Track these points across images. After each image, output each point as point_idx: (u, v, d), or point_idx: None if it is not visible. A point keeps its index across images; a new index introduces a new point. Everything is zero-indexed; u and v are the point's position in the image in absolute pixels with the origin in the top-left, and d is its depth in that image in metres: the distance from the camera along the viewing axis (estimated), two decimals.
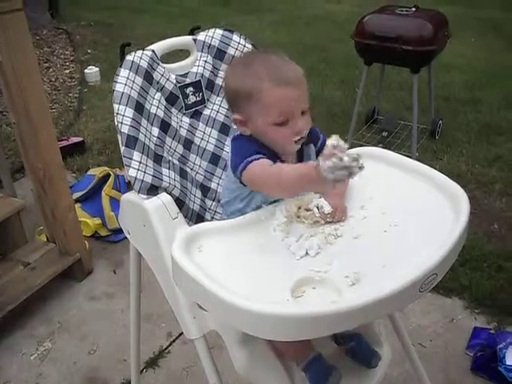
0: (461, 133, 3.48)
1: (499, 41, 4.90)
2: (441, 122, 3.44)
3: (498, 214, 2.68)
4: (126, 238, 2.33)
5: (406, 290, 0.91)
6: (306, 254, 1.02)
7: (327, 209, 1.09)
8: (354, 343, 1.25)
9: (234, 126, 1.37)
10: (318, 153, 1.20)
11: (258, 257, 1.03)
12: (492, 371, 1.89)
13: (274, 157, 1.11)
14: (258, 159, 1.07)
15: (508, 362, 1.90)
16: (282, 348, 1.18)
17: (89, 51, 5.13)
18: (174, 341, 2.09)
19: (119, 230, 2.62)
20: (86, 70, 4.47)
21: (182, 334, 2.10)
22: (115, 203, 2.68)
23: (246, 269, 1.00)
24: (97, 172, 2.83)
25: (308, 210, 1.11)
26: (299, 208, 1.11)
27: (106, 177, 2.76)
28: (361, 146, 1.33)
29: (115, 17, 6.06)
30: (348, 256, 1.01)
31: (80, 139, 3.41)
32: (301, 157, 1.18)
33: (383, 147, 1.34)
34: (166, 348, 2.06)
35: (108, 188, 2.71)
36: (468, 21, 5.28)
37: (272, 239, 1.07)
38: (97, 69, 4.46)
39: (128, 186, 2.93)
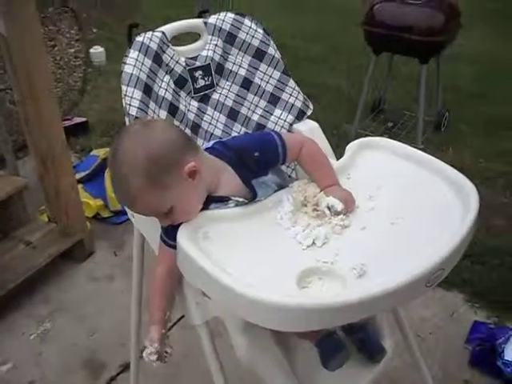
0: (467, 125, 3.45)
1: (508, 34, 4.85)
2: (447, 114, 3.41)
3: (501, 209, 2.67)
4: (127, 220, 2.33)
5: (412, 285, 0.90)
6: (313, 243, 1.01)
7: (339, 207, 1.06)
8: (362, 335, 1.24)
9: (243, 112, 1.36)
10: (284, 160, 1.13)
11: (264, 245, 1.02)
12: (490, 366, 1.90)
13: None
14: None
15: (506, 357, 1.90)
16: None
17: (94, 31, 5.09)
18: (173, 326, 2.09)
19: (121, 212, 2.62)
20: (91, 50, 4.42)
21: (181, 318, 2.09)
22: None
23: (252, 256, 0.99)
24: (100, 153, 2.82)
25: (316, 210, 1.08)
26: (305, 205, 1.09)
27: None
28: (366, 135, 1.32)
29: None
30: (355, 247, 1.00)
31: (83, 119, 3.39)
32: (255, 195, 1.10)
33: (388, 138, 1.32)
34: (165, 333, 2.06)
35: None
36: (478, 11, 5.22)
37: (278, 227, 1.05)
38: (102, 49, 4.42)
39: None
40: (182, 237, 0.99)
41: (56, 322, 2.12)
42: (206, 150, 1.13)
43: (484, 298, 2.18)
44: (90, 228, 2.45)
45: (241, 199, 1.08)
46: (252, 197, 1.09)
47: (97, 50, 4.39)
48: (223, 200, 1.08)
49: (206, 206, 1.06)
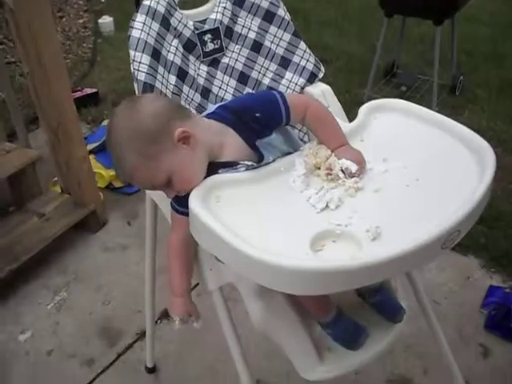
0: (482, 89, 3.38)
1: None
2: (462, 77, 3.34)
3: None
4: (140, 189, 2.33)
5: (427, 247, 0.88)
6: (327, 206, 0.99)
7: (354, 168, 1.04)
8: (380, 297, 1.24)
9: (253, 75, 1.33)
10: (288, 120, 1.09)
11: (276, 208, 1.00)
12: (505, 329, 1.89)
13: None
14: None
15: None
16: (303, 304, 1.17)
17: (102, 0, 5.02)
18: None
19: None
20: (99, 20, 4.38)
21: (196, 285, 2.11)
22: None
23: (265, 220, 0.97)
24: None
25: (329, 174, 1.05)
26: (319, 168, 1.07)
27: None
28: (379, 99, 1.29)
29: None
30: (369, 210, 0.98)
31: (94, 90, 3.37)
32: (261, 157, 1.08)
33: None
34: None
35: None
36: None
37: (291, 191, 1.03)
38: (111, 18, 4.37)
39: None
40: (194, 201, 0.97)
41: (72, 291, 2.15)
42: (208, 115, 1.10)
43: (499, 262, 2.17)
44: (102, 198, 2.46)
45: (249, 163, 1.06)
46: (259, 159, 1.07)
47: (105, 20, 4.35)
48: (231, 165, 1.06)
49: (214, 172, 1.04)
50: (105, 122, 3.01)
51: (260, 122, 1.06)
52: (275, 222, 0.97)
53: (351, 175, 1.05)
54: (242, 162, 1.06)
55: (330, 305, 1.19)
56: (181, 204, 1.06)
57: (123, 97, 3.28)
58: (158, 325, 1.94)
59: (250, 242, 0.90)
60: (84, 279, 2.20)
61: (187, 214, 0.99)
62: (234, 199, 1.02)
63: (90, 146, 2.69)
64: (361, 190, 1.03)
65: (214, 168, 1.05)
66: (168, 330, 1.95)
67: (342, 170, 1.05)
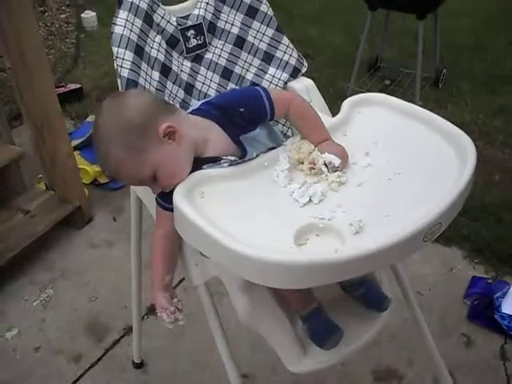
0: (465, 82, 3.41)
1: None
2: (445, 70, 3.37)
3: (500, 165, 2.66)
4: (125, 184, 2.32)
5: (410, 240, 0.90)
6: (310, 201, 1.00)
7: (337, 162, 1.05)
8: (363, 289, 1.25)
9: (237, 71, 1.34)
10: (272, 115, 1.10)
11: (260, 203, 1.01)
12: (488, 319, 1.93)
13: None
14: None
15: (504, 310, 1.93)
16: (285, 296, 1.18)
17: None
18: (175, 287, 2.10)
19: None
20: (82, 15, 4.34)
21: (182, 280, 2.12)
22: None
23: (249, 215, 0.98)
24: None
25: (312, 168, 1.06)
26: (302, 163, 1.08)
27: None
28: (363, 93, 1.30)
29: None
30: (352, 204, 0.99)
31: (78, 86, 3.35)
32: (244, 152, 1.09)
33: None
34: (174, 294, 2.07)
35: None
36: None
37: (275, 185, 1.04)
38: (93, 13, 4.33)
39: None
40: (179, 197, 0.98)
41: (58, 288, 2.14)
42: (193, 111, 1.11)
43: (482, 253, 2.20)
44: (87, 194, 2.45)
45: (233, 158, 1.07)
46: (242, 154, 1.08)
47: (88, 15, 4.31)
48: (215, 160, 1.06)
49: (198, 168, 1.05)
50: (89, 118, 3.00)
51: (244, 117, 1.07)
52: (259, 216, 0.98)
53: (334, 169, 1.06)
54: (225, 158, 1.06)
55: (310, 299, 1.20)
56: (165, 199, 1.07)
57: (107, 92, 3.27)
58: (144, 320, 1.95)
59: (234, 236, 0.90)
60: (70, 276, 2.20)
61: (172, 210, 1.00)
62: (218, 195, 1.03)
63: (75, 142, 2.68)
64: (344, 184, 1.04)
65: (198, 164, 1.05)
66: (155, 325, 1.96)
67: (325, 164, 1.06)
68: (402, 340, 1.85)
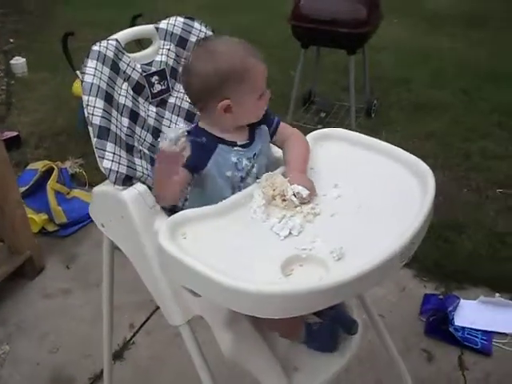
0: (394, 111, 3.61)
1: (420, 22, 5.08)
2: (375, 101, 3.56)
3: (440, 187, 2.80)
4: (75, 232, 2.29)
5: (390, 261, 0.97)
6: (290, 233, 1.06)
7: (305, 193, 1.12)
8: (333, 313, 1.30)
9: (199, 113, 1.38)
10: (273, 134, 1.28)
11: (243, 239, 1.06)
12: (444, 333, 2.03)
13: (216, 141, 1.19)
14: None
15: (456, 323, 2.06)
16: (275, 327, 1.22)
17: (11, 40, 4.90)
18: (137, 331, 2.08)
19: (67, 225, 2.58)
20: (11, 61, 4.26)
21: (144, 323, 2.10)
22: (61, 197, 2.65)
23: (234, 252, 1.02)
24: (39, 166, 2.74)
25: (284, 200, 1.13)
26: (274, 197, 1.13)
27: (50, 170, 2.69)
28: (301, 126, 1.38)
29: (34, 4, 5.78)
30: (329, 233, 1.06)
31: (15, 133, 3.27)
32: (252, 138, 1.23)
33: (322, 127, 1.39)
34: (130, 339, 2.05)
35: (52, 182, 2.65)
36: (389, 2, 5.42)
37: (254, 222, 1.09)
38: (23, 59, 4.26)
39: (72, 179, 2.86)
40: (165, 241, 1.01)
41: (15, 343, 2.06)
42: None
43: (431, 271, 2.32)
44: (37, 243, 2.39)
45: (244, 142, 1.21)
46: (249, 142, 1.22)
47: (18, 61, 4.24)
48: (229, 144, 1.20)
49: (214, 146, 1.18)
50: (29, 166, 2.92)
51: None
52: (244, 252, 1.02)
53: (302, 200, 1.12)
54: (239, 143, 1.21)
55: (300, 322, 1.24)
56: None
57: (46, 139, 3.26)
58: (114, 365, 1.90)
59: (225, 273, 0.94)
60: (27, 329, 2.12)
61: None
62: (201, 234, 1.06)
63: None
64: (318, 215, 1.11)
65: (215, 141, 1.19)
66: (121, 371, 1.91)
67: (294, 195, 1.12)
68: (368, 361, 1.91)
